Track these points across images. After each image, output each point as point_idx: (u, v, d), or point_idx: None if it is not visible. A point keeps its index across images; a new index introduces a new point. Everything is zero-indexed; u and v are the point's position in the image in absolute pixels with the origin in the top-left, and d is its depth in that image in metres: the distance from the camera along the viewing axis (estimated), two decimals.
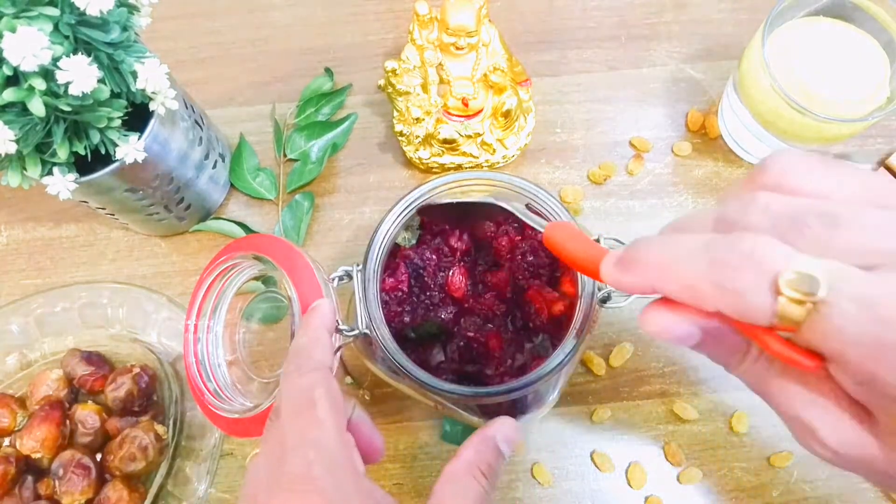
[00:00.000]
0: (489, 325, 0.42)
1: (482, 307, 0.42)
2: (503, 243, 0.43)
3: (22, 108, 0.35)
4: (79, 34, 0.35)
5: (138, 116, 0.42)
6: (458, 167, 0.54)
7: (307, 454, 0.27)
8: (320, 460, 0.27)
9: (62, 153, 0.38)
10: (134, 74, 0.38)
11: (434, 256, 0.43)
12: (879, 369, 0.19)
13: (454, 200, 0.40)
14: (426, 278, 0.43)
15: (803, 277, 0.19)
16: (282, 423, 0.28)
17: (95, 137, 0.39)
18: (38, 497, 0.45)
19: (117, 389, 0.46)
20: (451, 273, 0.42)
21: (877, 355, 0.19)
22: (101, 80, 0.36)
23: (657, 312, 0.23)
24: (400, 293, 0.42)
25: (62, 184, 0.39)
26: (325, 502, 0.26)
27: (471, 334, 0.41)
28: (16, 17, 0.33)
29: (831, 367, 0.21)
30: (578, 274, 0.37)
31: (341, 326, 0.35)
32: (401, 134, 0.53)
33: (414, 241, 0.44)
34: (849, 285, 0.19)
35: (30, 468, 0.46)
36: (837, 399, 0.22)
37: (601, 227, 0.54)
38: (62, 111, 0.36)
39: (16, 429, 0.47)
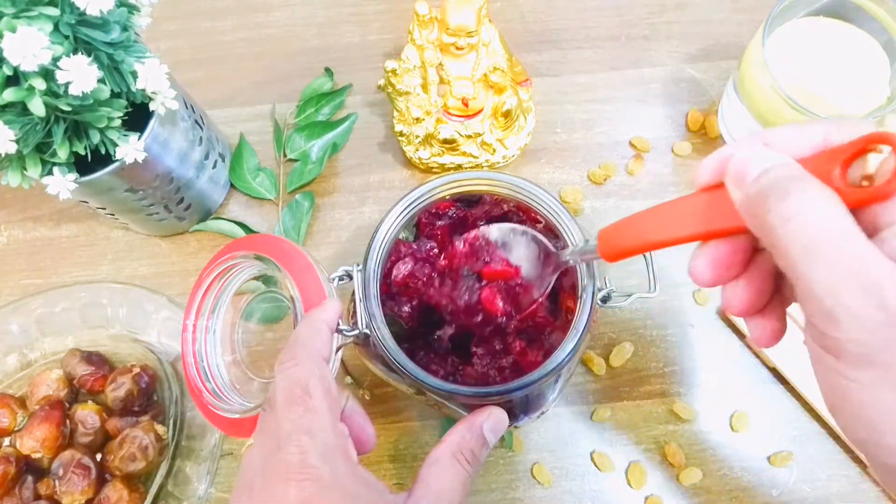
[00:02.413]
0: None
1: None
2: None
3: (22, 108, 0.35)
4: (79, 34, 0.35)
5: (138, 116, 0.42)
6: (458, 167, 0.54)
7: (302, 442, 0.27)
8: (315, 448, 0.27)
9: (62, 153, 0.38)
10: (134, 74, 0.38)
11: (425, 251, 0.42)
12: None
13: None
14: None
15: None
16: (277, 412, 0.29)
17: (95, 137, 0.39)
18: (38, 497, 0.45)
19: (117, 389, 0.46)
20: (401, 264, 0.41)
21: None
22: (101, 80, 0.36)
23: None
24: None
25: (62, 184, 0.39)
26: (321, 489, 0.26)
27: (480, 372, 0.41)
28: (16, 17, 0.33)
29: None
30: (579, 281, 0.37)
31: (341, 326, 0.35)
32: (401, 134, 0.53)
33: (412, 240, 0.44)
34: None
35: (30, 468, 0.46)
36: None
37: (601, 228, 0.54)
38: (62, 111, 0.36)
39: (16, 429, 0.47)
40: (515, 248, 0.40)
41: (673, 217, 0.28)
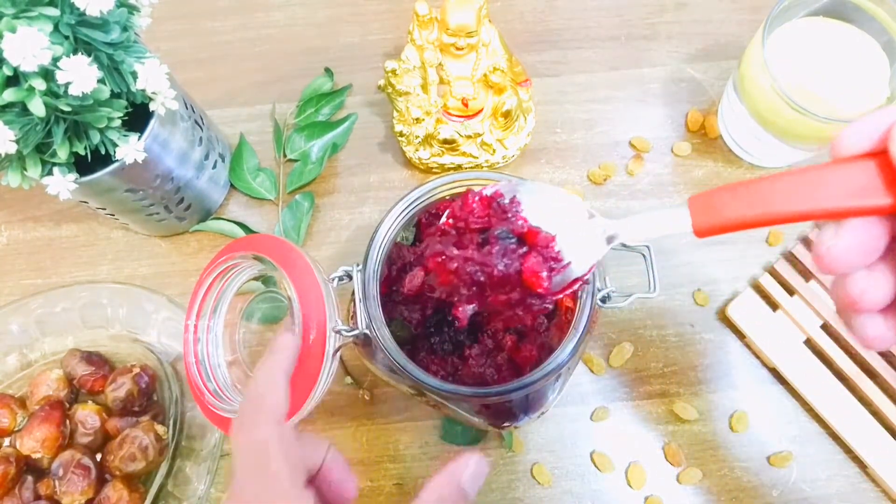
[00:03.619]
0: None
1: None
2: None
3: (22, 109, 0.35)
4: (79, 34, 0.35)
5: (138, 116, 0.42)
6: (458, 167, 0.54)
7: None
8: None
9: (62, 153, 0.38)
10: (134, 75, 0.38)
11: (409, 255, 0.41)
12: None
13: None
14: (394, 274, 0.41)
15: None
16: (238, 481, 0.28)
17: (95, 137, 0.39)
18: (38, 497, 0.45)
19: (117, 389, 0.46)
20: (412, 273, 0.37)
21: None
22: (101, 81, 0.36)
23: None
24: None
25: (62, 184, 0.39)
26: None
27: (479, 370, 0.40)
28: (16, 17, 0.33)
29: None
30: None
31: (341, 326, 0.35)
32: (401, 134, 0.53)
33: (411, 240, 0.44)
34: None
35: (30, 468, 0.46)
36: None
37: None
38: (62, 111, 0.36)
39: (16, 429, 0.47)
40: (548, 212, 0.33)
41: (810, 187, 0.24)
